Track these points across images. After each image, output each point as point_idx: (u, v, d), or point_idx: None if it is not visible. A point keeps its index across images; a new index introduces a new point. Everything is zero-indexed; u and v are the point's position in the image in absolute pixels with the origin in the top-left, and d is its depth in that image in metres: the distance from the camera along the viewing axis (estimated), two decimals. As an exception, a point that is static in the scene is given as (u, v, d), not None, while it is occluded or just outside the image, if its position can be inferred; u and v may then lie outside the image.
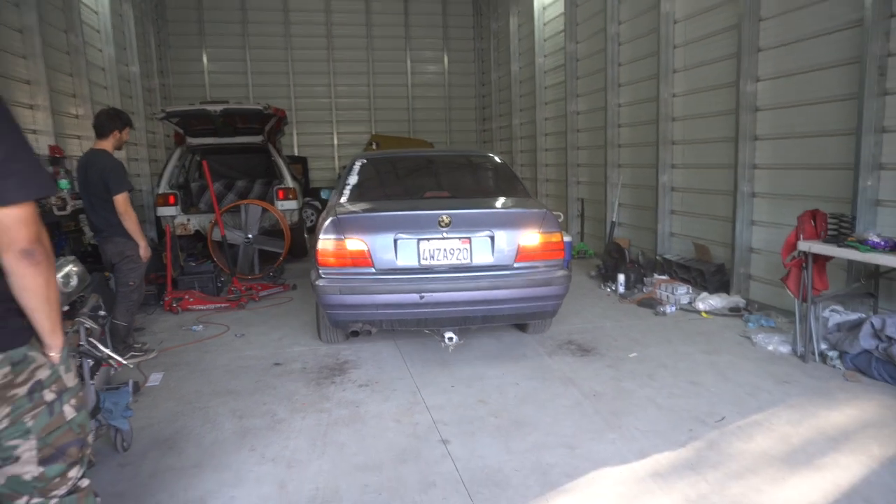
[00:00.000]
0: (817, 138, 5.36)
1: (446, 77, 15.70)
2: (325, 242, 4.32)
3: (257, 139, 9.23)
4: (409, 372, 4.48)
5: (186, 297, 6.56)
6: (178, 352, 5.09)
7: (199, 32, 14.05)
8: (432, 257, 4.31)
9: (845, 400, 3.80)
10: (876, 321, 4.14)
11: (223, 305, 6.62)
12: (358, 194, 4.93)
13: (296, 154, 14.31)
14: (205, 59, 14.11)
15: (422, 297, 4.20)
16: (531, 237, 4.41)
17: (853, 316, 4.52)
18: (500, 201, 4.96)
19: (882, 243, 3.99)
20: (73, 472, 1.73)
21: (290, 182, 8.93)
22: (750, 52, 5.99)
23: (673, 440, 3.32)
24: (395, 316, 4.36)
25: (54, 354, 1.68)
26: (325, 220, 4.48)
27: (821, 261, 4.51)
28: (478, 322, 4.54)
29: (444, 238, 4.30)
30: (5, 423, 1.58)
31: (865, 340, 4.17)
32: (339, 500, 2.83)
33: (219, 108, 8.23)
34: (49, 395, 1.67)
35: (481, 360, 4.69)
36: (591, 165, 9.68)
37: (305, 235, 9.86)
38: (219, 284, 7.27)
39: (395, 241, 4.28)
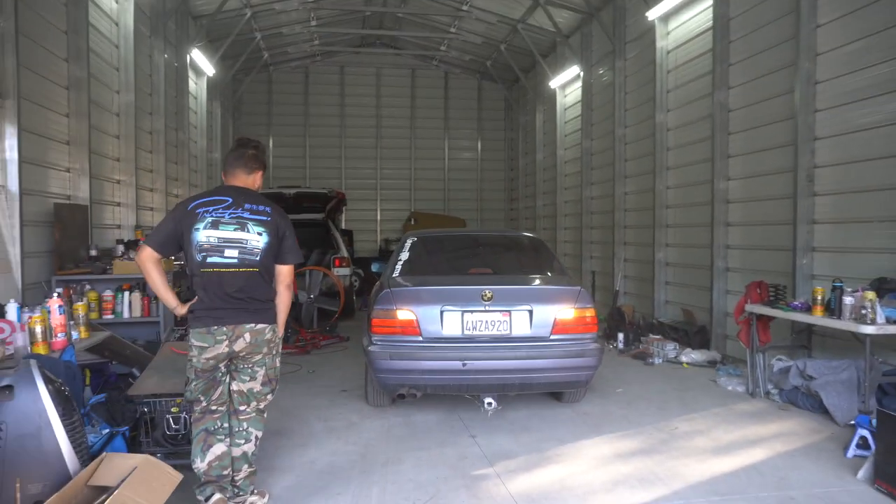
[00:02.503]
0: (769, 226, 6.83)
1: (479, 162, 17.67)
2: (379, 312, 4.76)
3: (319, 216, 11.06)
4: (445, 396, 5.89)
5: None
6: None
7: (268, 123, 16.36)
8: (475, 328, 4.72)
9: (772, 421, 5.10)
10: (800, 364, 5.47)
11: (293, 351, 8.15)
12: (409, 269, 5.33)
13: (343, 228, 16.20)
14: (271, 145, 16.34)
15: (464, 365, 4.58)
16: (566, 311, 4.78)
17: (790, 362, 5.82)
18: (538, 278, 5.39)
19: (799, 305, 5.38)
20: (269, 397, 3.35)
21: (345, 252, 10.67)
22: (722, 158, 7.59)
23: (636, 440, 4.66)
24: (439, 381, 4.75)
25: (280, 333, 3.31)
26: (379, 291, 4.97)
27: (764, 319, 5.87)
28: (515, 389, 4.92)
29: (486, 311, 4.71)
30: (260, 357, 3.22)
31: (794, 379, 5.48)
32: (400, 464, 4.24)
33: (292, 191, 10.11)
34: (275, 350, 3.26)
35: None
36: (602, 243, 11.22)
37: (353, 297, 11.47)
38: (287, 335, 8.84)
39: (442, 312, 4.71)
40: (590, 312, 4.85)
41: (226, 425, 3.37)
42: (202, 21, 10.87)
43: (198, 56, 10.73)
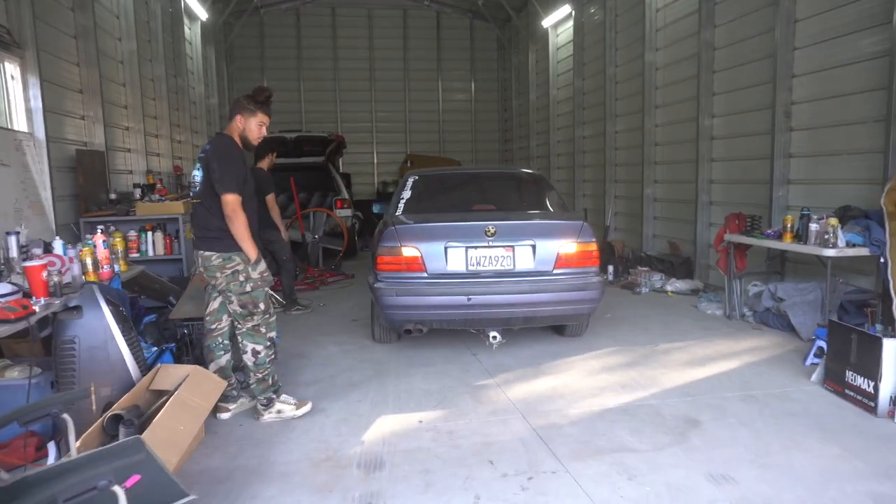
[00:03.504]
0: (749, 161, 7.24)
1: (472, 103, 17.78)
2: (384, 250, 4.83)
3: (319, 160, 11.36)
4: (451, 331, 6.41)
5: (277, 279, 8.60)
6: (281, 314, 7.12)
7: (261, 67, 16.35)
8: (479, 264, 4.79)
9: (744, 339, 5.66)
10: (772, 287, 5.99)
11: (303, 288, 8.64)
12: (412, 207, 5.40)
13: (340, 171, 16.46)
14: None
15: (469, 300, 4.68)
16: (569, 246, 4.86)
17: (764, 287, 6.35)
18: (541, 213, 5.47)
19: (772, 233, 5.86)
20: (256, 319, 3.77)
21: (346, 194, 11.05)
22: (707, 96, 7.91)
23: (620, 355, 5.21)
24: (445, 316, 4.86)
25: (252, 258, 3.75)
26: (383, 230, 5.01)
27: (741, 247, 6.36)
28: (520, 323, 5.01)
29: (489, 246, 4.78)
30: (220, 283, 3.71)
31: (766, 301, 6.02)
32: (411, 377, 4.77)
33: (293, 135, 10.38)
34: (241, 277, 3.72)
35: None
36: (594, 181, 11.61)
37: (356, 238, 11.91)
38: (296, 273, 9.31)
39: (446, 248, 4.77)
40: (592, 247, 4.92)
41: (226, 342, 3.97)
42: (193, -37, 10.83)
43: (191, 1, 10.77)
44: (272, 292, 5.11)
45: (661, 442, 3.53)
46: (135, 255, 6.07)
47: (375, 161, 17.34)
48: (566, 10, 11.95)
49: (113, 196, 6.68)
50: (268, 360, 3.90)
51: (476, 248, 4.79)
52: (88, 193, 6.29)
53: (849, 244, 5.05)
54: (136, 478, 2.14)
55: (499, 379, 4.69)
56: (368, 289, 5.14)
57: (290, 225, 9.92)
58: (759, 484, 3.01)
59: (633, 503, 2.88)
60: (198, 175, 3.82)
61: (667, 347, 5.44)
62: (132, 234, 6.15)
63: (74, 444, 2.34)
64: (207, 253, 3.77)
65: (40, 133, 5.47)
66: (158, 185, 7.46)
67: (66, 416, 2.32)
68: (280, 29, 16.45)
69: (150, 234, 6.26)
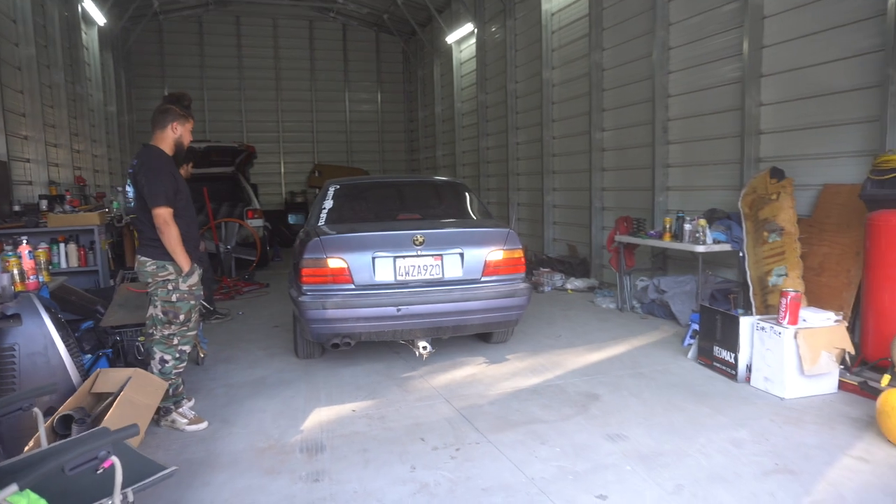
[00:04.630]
0: (634, 170, 8.14)
1: (379, 114, 18.18)
2: (308, 261, 4.65)
3: (228, 169, 11.32)
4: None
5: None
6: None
7: (161, 75, 15.89)
8: (408, 273, 4.73)
9: (634, 327, 6.43)
10: (656, 281, 6.83)
11: (218, 298, 8.65)
12: (334, 217, 5.28)
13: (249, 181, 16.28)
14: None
15: (399, 310, 4.61)
16: (496, 253, 4.88)
17: (648, 281, 7.20)
18: (467, 221, 5.51)
19: (654, 233, 6.69)
20: (173, 328, 3.88)
21: (257, 204, 11.09)
22: (597, 111, 8.78)
23: (528, 345, 5.79)
24: (374, 328, 4.71)
25: (184, 268, 3.88)
26: (306, 240, 4.81)
27: (630, 247, 7.17)
28: (449, 332, 4.94)
29: (418, 255, 4.73)
30: (152, 287, 3.83)
31: (651, 293, 6.85)
32: (340, 375, 5.09)
33: (202, 145, 10.31)
34: (170, 286, 3.85)
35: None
36: (498, 189, 12.35)
37: (267, 248, 11.92)
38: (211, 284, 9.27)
39: (374, 258, 4.67)
40: (518, 253, 4.97)
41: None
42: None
43: (89, 5, 10.45)
44: (204, 302, 5.24)
45: (566, 413, 4.09)
46: (47, 267, 5.94)
47: (282, 171, 17.30)
48: (469, 27, 12.65)
49: (17, 208, 6.48)
50: (174, 371, 3.96)
51: (404, 257, 4.72)
52: (-9, 205, 6.10)
53: (715, 241, 5.91)
54: (109, 461, 2.36)
55: (421, 371, 5.11)
56: (290, 300, 4.99)
57: (203, 235, 9.86)
58: (645, 438, 3.63)
59: (545, 461, 3.40)
60: (130, 191, 3.95)
61: (568, 336, 6.09)
62: (42, 245, 6.00)
63: (44, 435, 2.51)
64: (143, 258, 3.90)
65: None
66: (69, 196, 7.26)
67: (35, 409, 2.49)
68: (181, 35, 16.11)
69: (62, 245, 6.15)
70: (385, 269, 4.72)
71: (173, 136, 3.96)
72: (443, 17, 13.92)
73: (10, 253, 4.27)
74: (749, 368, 4.50)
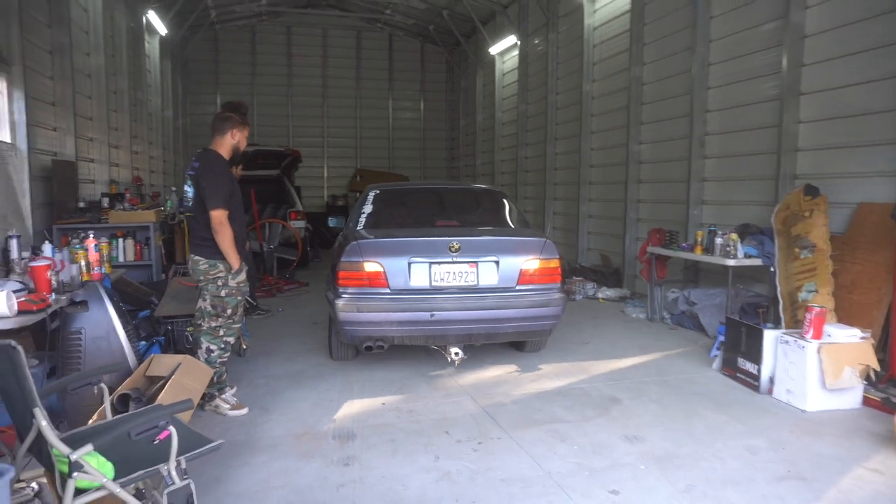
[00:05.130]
0: (670, 183, 8.20)
1: (422, 122, 18.55)
2: (345, 265, 4.75)
3: (274, 172, 11.79)
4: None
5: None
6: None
7: (215, 82, 16.62)
8: (442, 279, 4.77)
9: (662, 337, 6.51)
10: (686, 293, 6.89)
11: (261, 295, 9.05)
12: (373, 222, 5.35)
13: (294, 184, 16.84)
14: (218, 103, 16.63)
15: (432, 315, 4.67)
16: (532, 262, 4.89)
17: (679, 293, 7.26)
18: (504, 230, 5.56)
19: (686, 246, 6.76)
20: (220, 321, 4.18)
21: (300, 206, 11.52)
22: (635, 124, 8.88)
23: (556, 351, 5.93)
24: (407, 332, 4.77)
25: (234, 266, 4.17)
26: (344, 244, 4.91)
27: (661, 258, 7.25)
28: (482, 339, 4.97)
29: (453, 262, 4.76)
30: (203, 283, 4.12)
31: (681, 305, 6.92)
32: (373, 370, 5.34)
33: (251, 149, 10.75)
34: (219, 282, 4.14)
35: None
36: (535, 198, 12.50)
37: (308, 248, 12.34)
38: (256, 281, 9.71)
39: (409, 264, 4.73)
40: (554, 263, 4.97)
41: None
42: (154, -19, 11.16)
43: (152, 17, 11.08)
44: (248, 298, 5.58)
45: (587, 415, 4.24)
46: (106, 260, 6.40)
47: (325, 175, 17.80)
48: (512, 39, 12.86)
49: (81, 204, 6.98)
50: (219, 360, 4.23)
51: (440, 263, 4.76)
52: (60, 202, 6.60)
53: (746, 255, 5.96)
54: (166, 432, 2.65)
55: (450, 370, 5.32)
56: (326, 302, 5.09)
57: (248, 235, 10.30)
58: (662, 441, 3.76)
59: (563, 457, 3.57)
60: (189, 191, 4.22)
61: (596, 344, 6.22)
62: (103, 240, 6.47)
63: (109, 408, 2.82)
64: (196, 257, 4.22)
65: (23, 145, 5.77)
66: (128, 195, 7.77)
67: (103, 384, 2.80)
68: (235, 44, 16.82)
69: (121, 240, 6.61)
70: (420, 274, 4.76)
71: (232, 141, 4.27)
72: (487, 29, 14.18)
73: (77, 246, 4.69)
74: (772, 380, 4.57)
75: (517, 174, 13.11)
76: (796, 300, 5.45)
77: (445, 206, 5.97)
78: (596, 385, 4.89)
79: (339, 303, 4.72)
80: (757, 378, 4.63)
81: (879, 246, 5.14)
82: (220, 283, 4.19)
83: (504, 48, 13.56)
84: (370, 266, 4.73)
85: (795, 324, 5.38)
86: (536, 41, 12.28)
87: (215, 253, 4.14)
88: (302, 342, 6.32)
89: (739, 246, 5.96)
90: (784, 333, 4.50)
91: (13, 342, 1.94)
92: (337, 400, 4.60)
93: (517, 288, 4.86)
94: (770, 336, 4.58)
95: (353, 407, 4.46)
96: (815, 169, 6.05)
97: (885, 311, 4.97)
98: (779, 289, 5.68)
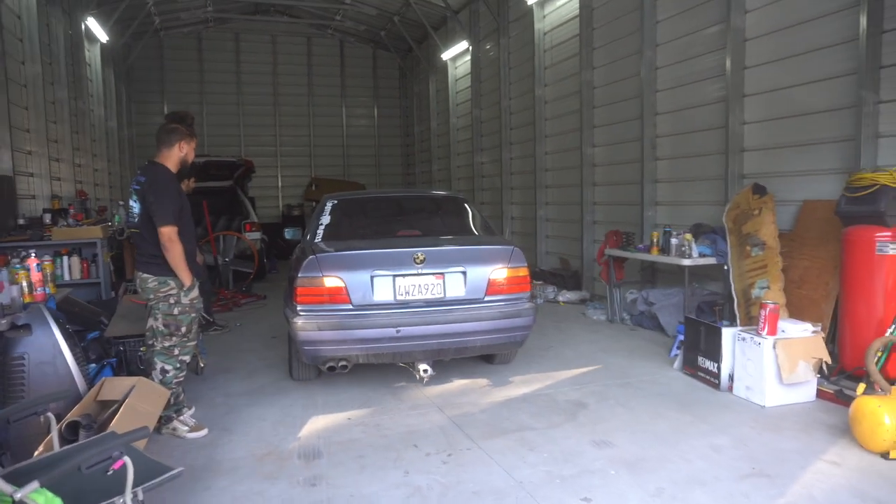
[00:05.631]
0: (624, 185, 8.35)
1: (376, 129, 18.43)
2: (304, 280, 4.47)
3: (226, 183, 11.50)
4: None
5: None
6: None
7: (161, 90, 16.13)
8: (408, 293, 4.54)
9: (623, 338, 6.60)
10: (644, 294, 7.01)
11: (217, 309, 8.78)
12: (331, 234, 5.08)
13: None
14: (165, 113, 16.12)
15: (398, 332, 4.44)
16: (500, 272, 4.70)
17: (637, 294, 7.37)
18: (470, 238, 5.36)
19: (643, 247, 6.88)
20: (174, 340, 4.03)
21: (255, 217, 11.26)
22: (588, 128, 9.01)
23: (520, 356, 5.91)
24: (372, 350, 4.53)
25: (186, 283, 4.02)
26: (302, 258, 4.63)
27: (619, 260, 7.36)
28: (451, 354, 4.77)
29: (419, 274, 4.54)
30: (153, 301, 3.98)
31: (640, 306, 7.03)
32: (336, 385, 5.23)
33: (202, 160, 10.48)
34: (171, 300, 3.99)
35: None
36: (492, 203, 12.55)
37: (265, 260, 12.07)
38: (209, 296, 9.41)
39: (372, 277, 4.49)
40: (523, 271, 4.81)
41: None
42: (93, -14, 10.75)
43: (92, 23, 10.65)
44: (203, 314, 5.39)
45: (555, 421, 4.24)
46: (50, 279, 6.09)
47: (280, 184, 17.49)
48: (464, 45, 12.91)
49: (21, 221, 6.64)
50: (175, 380, 4.09)
51: (405, 276, 4.54)
52: (-3, 219, 6.26)
53: (701, 255, 6.10)
54: (121, 462, 2.51)
55: (415, 383, 5.25)
56: (285, 319, 4.81)
57: (202, 247, 10.01)
58: (630, 445, 3.79)
59: (533, 466, 3.55)
60: (135, 206, 4.04)
61: (559, 348, 6.25)
62: (47, 258, 6.15)
63: (57, 439, 2.66)
64: (144, 275, 4.05)
65: (-48, 160, 5.46)
66: (72, 210, 7.42)
67: (49, 413, 2.64)
68: (181, 52, 16.36)
69: (66, 258, 6.30)
70: (384, 288, 4.54)
71: (179, 154, 4.12)
72: (438, 35, 14.20)
73: (17, 265, 4.42)
74: (731, 377, 4.67)
75: (474, 179, 13.15)
76: (750, 297, 5.61)
77: (406, 215, 5.79)
78: (562, 390, 4.91)
79: (298, 321, 4.47)
80: (717, 376, 4.73)
81: (825, 242, 5.34)
82: (171, 300, 4.03)
83: (456, 53, 13.59)
84: (330, 281, 4.49)
85: (750, 320, 5.54)
86: (488, 46, 12.36)
87: (165, 270, 3.98)
88: (261, 357, 6.15)
89: (694, 246, 6.10)
90: (741, 331, 4.61)
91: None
92: (300, 416, 4.48)
93: (486, 299, 4.68)
94: (728, 334, 4.68)
95: (317, 423, 4.35)
96: (761, 168, 6.25)
97: (832, 304, 5.15)
98: (733, 286, 5.83)
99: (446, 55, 13.83)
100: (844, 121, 5.37)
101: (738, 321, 5.65)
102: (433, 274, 4.60)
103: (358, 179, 17.49)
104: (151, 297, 4.05)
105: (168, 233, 3.89)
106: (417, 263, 4.54)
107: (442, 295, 4.62)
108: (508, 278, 4.74)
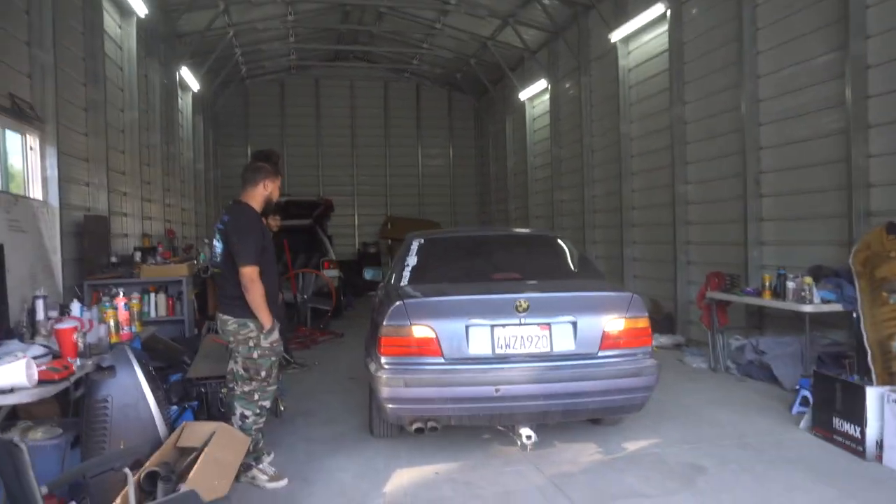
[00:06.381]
0: (723, 224, 7.74)
1: (451, 168, 18.44)
2: (390, 329, 3.97)
3: (306, 222, 11.62)
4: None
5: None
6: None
7: (245, 135, 16.78)
8: (508, 345, 3.96)
9: (732, 390, 5.96)
10: (754, 341, 6.34)
11: (295, 347, 8.68)
12: (420, 276, 4.58)
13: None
14: (248, 155, 16.73)
15: (497, 391, 3.87)
16: (616, 322, 4.08)
17: (745, 341, 6.70)
18: (578, 283, 4.71)
19: (751, 290, 6.26)
20: (254, 384, 3.83)
21: (333, 255, 11.29)
22: (681, 164, 8.48)
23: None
24: (467, 411, 4.00)
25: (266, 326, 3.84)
26: (387, 304, 4.09)
27: (722, 304, 6.73)
28: (557, 417, 4.19)
29: (521, 324, 3.97)
30: (233, 344, 3.81)
31: (749, 354, 6.36)
32: (420, 437, 4.88)
33: (283, 199, 10.60)
34: (251, 343, 3.82)
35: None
36: (574, 241, 12.02)
37: (342, 297, 11.99)
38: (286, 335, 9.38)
39: (467, 327, 3.94)
40: (643, 322, 4.19)
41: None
42: (188, 38, 11.33)
43: (185, 73, 11.19)
44: (284, 354, 5.22)
45: (670, 488, 3.73)
46: (137, 317, 6.14)
47: (356, 223, 17.67)
48: (542, 84, 12.72)
49: (113, 259, 6.79)
50: (254, 427, 3.90)
51: (504, 326, 3.97)
52: (91, 256, 6.40)
53: (824, 300, 5.44)
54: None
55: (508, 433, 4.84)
56: (366, 370, 4.34)
57: (282, 285, 10.04)
58: (768, 523, 3.22)
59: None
60: (218, 246, 3.94)
61: (661, 399, 5.65)
62: (135, 295, 6.22)
63: (133, 497, 2.44)
64: (225, 317, 3.91)
65: (54, 201, 5.64)
66: (160, 249, 7.58)
67: (126, 469, 2.43)
68: (264, 97, 17.03)
69: (153, 295, 6.35)
70: (481, 339, 3.97)
71: (264, 192, 4.00)
72: (515, 75, 14.10)
73: (107, 304, 4.41)
74: (880, 445, 4.00)
75: (553, 218, 12.75)
76: (889, 349, 4.89)
77: (501, 256, 5.15)
78: (671, 450, 4.37)
79: (382, 376, 3.95)
80: (861, 442, 4.07)
81: (982, 287, 4.61)
82: (251, 343, 3.86)
83: (534, 93, 13.43)
84: (420, 331, 3.95)
85: (890, 377, 4.82)
86: (567, 84, 12.10)
87: (245, 312, 3.82)
88: (341, 400, 5.91)
89: (815, 290, 5.46)
90: (892, 391, 3.96)
91: (16, 439, 1.59)
92: (383, 470, 4.16)
93: (600, 354, 4.05)
94: (873, 394, 4.04)
95: (402, 478, 4.01)
96: (892, 205, 5.57)
97: None
98: (865, 336, 5.11)
99: (524, 95, 13.69)
100: None
101: (873, 376, 4.93)
102: (538, 324, 4.01)
103: (433, 218, 17.43)
104: (231, 339, 3.90)
105: (249, 273, 3.74)
106: (520, 312, 3.96)
107: (548, 349, 4.00)
108: (626, 330, 4.10)
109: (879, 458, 3.98)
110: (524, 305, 3.97)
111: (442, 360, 3.94)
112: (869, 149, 5.78)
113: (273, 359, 3.93)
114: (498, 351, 3.97)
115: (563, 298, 4.26)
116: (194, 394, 4.41)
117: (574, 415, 4.22)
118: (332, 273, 10.92)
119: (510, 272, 4.70)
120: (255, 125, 16.93)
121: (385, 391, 3.96)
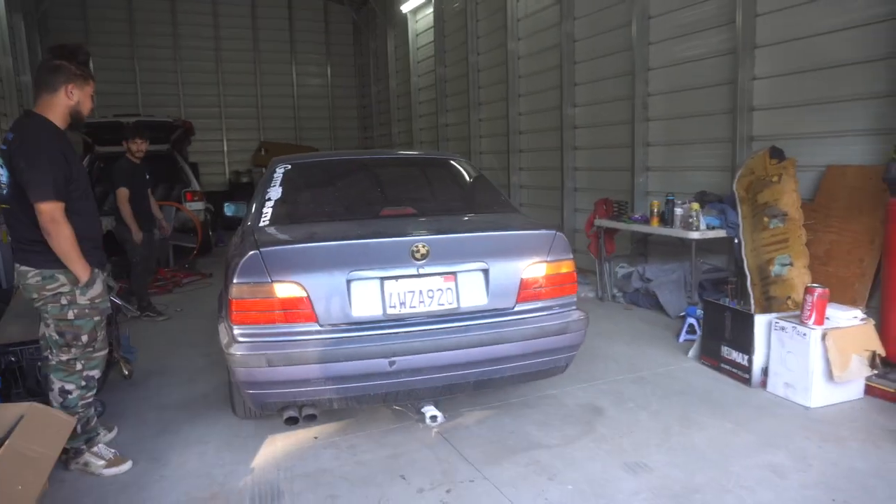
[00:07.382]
0: (611, 149, 7.58)
1: (329, 89, 17.11)
2: (243, 288, 2.98)
3: (163, 147, 10.21)
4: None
5: (122, 285, 7.57)
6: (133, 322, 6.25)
7: (84, 42, 14.34)
8: (403, 304, 3.12)
9: (619, 319, 5.92)
10: (640, 269, 6.32)
11: (154, 291, 7.69)
12: (284, 213, 3.61)
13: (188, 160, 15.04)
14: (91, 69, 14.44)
15: (392, 364, 3.02)
16: (537, 267, 3.30)
17: (632, 268, 6.69)
18: (491, 220, 3.80)
19: (639, 217, 6.16)
20: (74, 352, 3.05)
21: (196, 185, 10.06)
22: (569, 86, 8.17)
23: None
24: (353, 391, 3.12)
25: (82, 279, 3.01)
26: (239, 253, 3.09)
27: (610, 232, 6.63)
28: (468, 389, 3.39)
29: (419, 275, 3.13)
30: (38, 303, 3.03)
31: (635, 282, 6.35)
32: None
33: (131, 120, 9.17)
34: (62, 300, 3.00)
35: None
36: (460, 169, 11.64)
37: (210, 232, 10.89)
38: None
39: (349, 282, 3.05)
40: (567, 267, 3.40)
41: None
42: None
43: (-7, -41, 9.10)
44: (121, 301, 4.39)
45: (570, 434, 3.49)
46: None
47: (226, 149, 16.08)
48: (426, -5, 11.81)
49: None
50: (80, 402, 3.14)
51: (398, 278, 3.10)
52: None
53: (709, 227, 5.41)
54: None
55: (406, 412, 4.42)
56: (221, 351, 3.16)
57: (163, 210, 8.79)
58: (671, 468, 3.06)
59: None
60: (2, 174, 2.94)
61: (551, 334, 5.50)
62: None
63: None
64: (24, 268, 3.01)
65: None
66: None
67: None
68: (107, 0, 14.60)
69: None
70: (368, 297, 3.07)
71: (68, 102, 2.99)
72: (397, -15, 13.02)
73: None
74: (765, 372, 4.01)
75: (438, 143, 12.20)
76: (768, 275, 4.96)
77: (391, 187, 4.29)
78: (567, 389, 4.16)
79: (236, 353, 2.94)
80: (748, 370, 4.07)
81: (857, 212, 4.70)
82: (64, 301, 3.01)
83: (417, 5, 12.48)
84: (285, 289, 2.97)
85: (767, 301, 4.90)
86: (453, -4, 11.29)
87: (50, 261, 2.95)
88: (205, 353, 5.17)
89: (701, 217, 5.41)
90: (779, 318, 3.93)
91: None
92: (253, 436, 3.60)
93: (517, 308, 3.26)
94: (762, 322, 4.01)
95: (275, 446, 3.48)
96: (775, 129, 5.56)
97: (868, 284, 4.54)
98: (745, 262, 5.16)
99: (406, 7, 12.71)
100: (879, 74, 4.69)
101: (752, 301, 5.01)
102: (441, 274, 3.15)
103: (311, 143, 16.25)
104: (35, 296, 3.02)
105: (49, 210, 2.84)
106: (417, 259, 3.09)
107: (454, 304, 3.17)
108: (549, 277, 3.31)
109: (764, 384, 4.01)
110: (423, 250, 3.10)
111: (317, 328, 3.00)
112: (755, 71, 5.69)
113: (97, 318, 3.10)
114: (390, 311, 3.09)
115: (472, 239, 3.38)
116: (2, 364, 3.54)
117: (488, 384, 3.39)
118: (196, 206, 9.76)
119: (403, 207, 3.85)
120: (97, 32, 14.48)
121: (241, 373, 2.95)
